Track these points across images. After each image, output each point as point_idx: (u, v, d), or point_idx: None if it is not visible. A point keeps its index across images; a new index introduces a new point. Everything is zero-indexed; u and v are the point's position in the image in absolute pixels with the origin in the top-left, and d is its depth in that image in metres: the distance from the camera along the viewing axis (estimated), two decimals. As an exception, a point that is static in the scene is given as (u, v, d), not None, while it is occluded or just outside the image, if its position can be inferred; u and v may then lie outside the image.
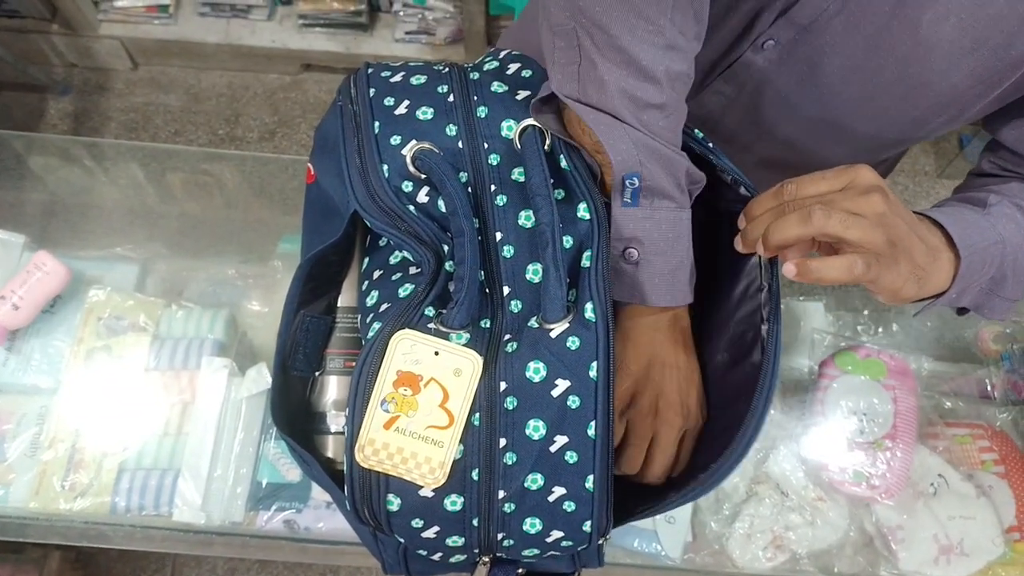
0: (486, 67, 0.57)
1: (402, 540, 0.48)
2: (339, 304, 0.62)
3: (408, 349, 0.46)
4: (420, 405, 0.46)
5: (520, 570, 0.53)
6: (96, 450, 0.70)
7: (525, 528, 0.47)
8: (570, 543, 0.49)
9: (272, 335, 0.88)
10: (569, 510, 0.47)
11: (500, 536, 0.47)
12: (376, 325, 0.48)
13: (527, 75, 0.56)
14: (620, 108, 0.49)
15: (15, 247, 0.78)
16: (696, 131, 0.56)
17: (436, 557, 0.50)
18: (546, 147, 0.52)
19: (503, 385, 0.46)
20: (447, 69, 0.57)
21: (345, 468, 0.47)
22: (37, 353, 0.74)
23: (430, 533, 0.47)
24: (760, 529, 0.72)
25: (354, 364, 0.60)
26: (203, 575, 1.51)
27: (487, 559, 0.50)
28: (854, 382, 0.77)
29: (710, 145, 0.55)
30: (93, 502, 0.68)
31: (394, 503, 0.46)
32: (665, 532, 0.71)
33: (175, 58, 2.01)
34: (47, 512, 0.69)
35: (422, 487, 0.46)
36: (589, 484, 0.47)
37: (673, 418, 0.54)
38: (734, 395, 0.52)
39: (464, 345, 0.47)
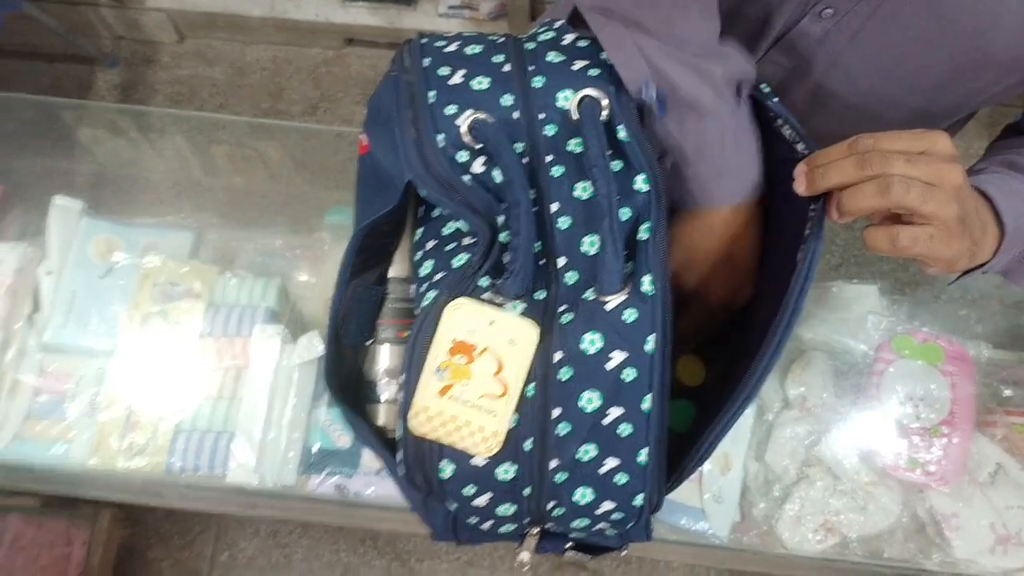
0: (541, 37, 0.57)
1: (454, 507, 0.49)
2: (390, 275, 0.62)
3: (464, 318, 0.46)
4: (474, 374, 0.46)
5: (568, 544, 0.54)
6: (152, 411, 0.72)
7: (576, 498, 0.47)
8: (621, 515, 0.48)
9: (320, 305, 0.89)
10: (621, 482, 0.47)
11: (551, 505, 0.47)
12: (431, 294, 0.48)
13: (583, 45, 0.55)
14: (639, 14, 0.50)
15: (73, 212, 0.80)
16: (763, 85, 0.55)
17: (486, 526, 0.50)
18: (604, 117, 0.51)
19: (558, 356, 0.46)
20: (502, 39, 0.56)
21: (399, 434, 0.48)
22: (95, 317, 0.76)
23: (482, 501, 0.47)
24: (810, 512, 0.71)
25: (406, 334, 0.61)
26: (247, 536, 1.55)
27: (536, 530, 0.51)
28: (911, 367, 0.75)
29: (775, 100, 0.54)
30: (150, 461, 0.70)
31: (447, 470, 0.47)
32: (713, 511, 0.71)
33: (221, 31, 2.02)
34: (106, 470, 0.71)
35: (475, 455, 0.46)
36: (642, 457, 0.46)
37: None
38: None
39: (519, 315, 0.46)
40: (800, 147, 0.52)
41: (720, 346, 0.63)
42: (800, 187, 0.50)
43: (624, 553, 0.58)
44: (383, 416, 0.61)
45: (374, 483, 0.72)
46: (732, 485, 0.73)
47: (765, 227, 0.59)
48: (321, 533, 1.56)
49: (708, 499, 0.72)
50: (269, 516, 0.73)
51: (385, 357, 0.61)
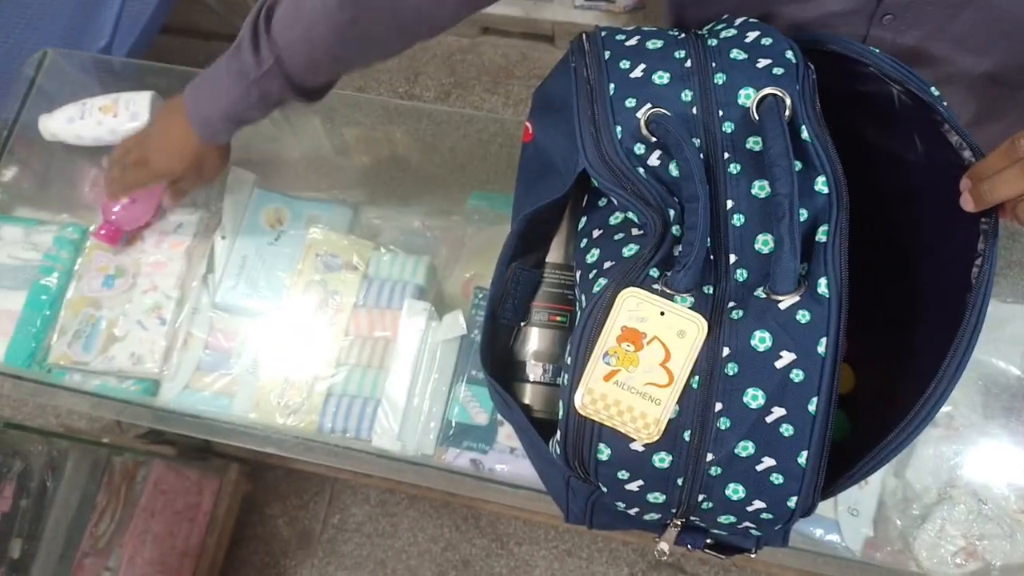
0: (723, 34, 0.57)
1: (605, 489, 0.50)
2: (548, 260, 0.64)
3: (634, 307, 0.47)
4: (641, 362, 0.47)
5: (708, 540, 0.54)
6: (308, 373, 0.77)
7: (727, 493, 0.47)
8: (770, 516, 0.48)
9: (458, 286, 0.91)
10: (776, 483, 0.47)
11: (701, 498, 0.48)
12: (602, 281, 0.50)
13: (767, 43, 0.55)
14: None
15: (247, 183, 0.87)
16: (933, 88, 0.53)
17: (633, 512, 0.52)
18: (787, 117, 0.51)
19: (726, 351, 0.46)
20: (682, 35, 0.57)
21: (560, 414, 0.50)
22: (262, 280, 0.82)
23: (633, 486, 0.49)
24: (952, 534, 0.69)
25: (558, 318, 0.63)
26: (358, 503, 1.63)
27: (679, 522, 0.51)
28: (1073, 394, 0.71)
29: (944, 104, 0.53)
30: (303, 420, 0.75)
31: (604, 452, 0.48)
32: (847, 524, 0.69)
33: (363, 17, 2.10)
34: (264, 424, 0.77)
35: (634, 441, 0.47)
36: (802, 460, 0.46)
37: None
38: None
39: (689, 308, 0.47)
40: (967, 154, 0.51)
41: (862, 351, 0.61)
42: (968, 205, 0.49)
43: (753, 556, 0.58)
44: (529, 395, 0.63)
45: (507, 461, 0.75)
46: (869, 499, 0.71)
47: (922, 233, 0.57)
48: (427, 507, 1.61)
49: (843, 511, 0.70)
50: (413, 480, 0.76)
51: (535, 339, 0.63)
